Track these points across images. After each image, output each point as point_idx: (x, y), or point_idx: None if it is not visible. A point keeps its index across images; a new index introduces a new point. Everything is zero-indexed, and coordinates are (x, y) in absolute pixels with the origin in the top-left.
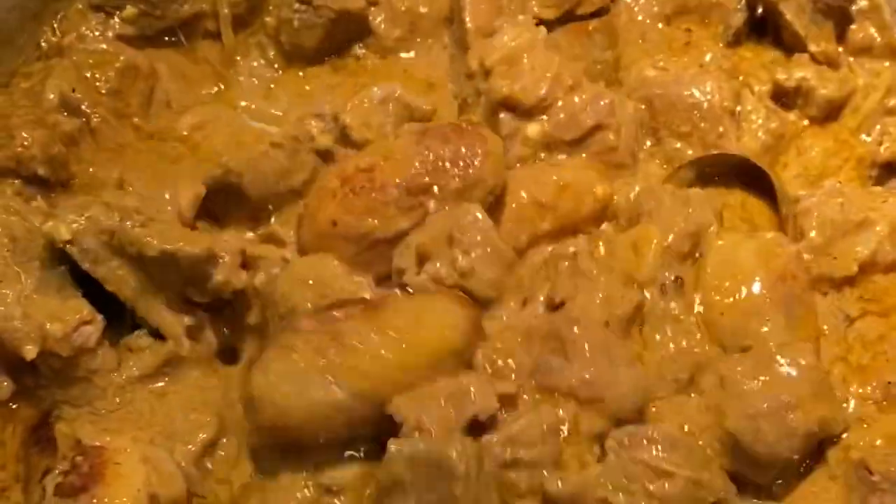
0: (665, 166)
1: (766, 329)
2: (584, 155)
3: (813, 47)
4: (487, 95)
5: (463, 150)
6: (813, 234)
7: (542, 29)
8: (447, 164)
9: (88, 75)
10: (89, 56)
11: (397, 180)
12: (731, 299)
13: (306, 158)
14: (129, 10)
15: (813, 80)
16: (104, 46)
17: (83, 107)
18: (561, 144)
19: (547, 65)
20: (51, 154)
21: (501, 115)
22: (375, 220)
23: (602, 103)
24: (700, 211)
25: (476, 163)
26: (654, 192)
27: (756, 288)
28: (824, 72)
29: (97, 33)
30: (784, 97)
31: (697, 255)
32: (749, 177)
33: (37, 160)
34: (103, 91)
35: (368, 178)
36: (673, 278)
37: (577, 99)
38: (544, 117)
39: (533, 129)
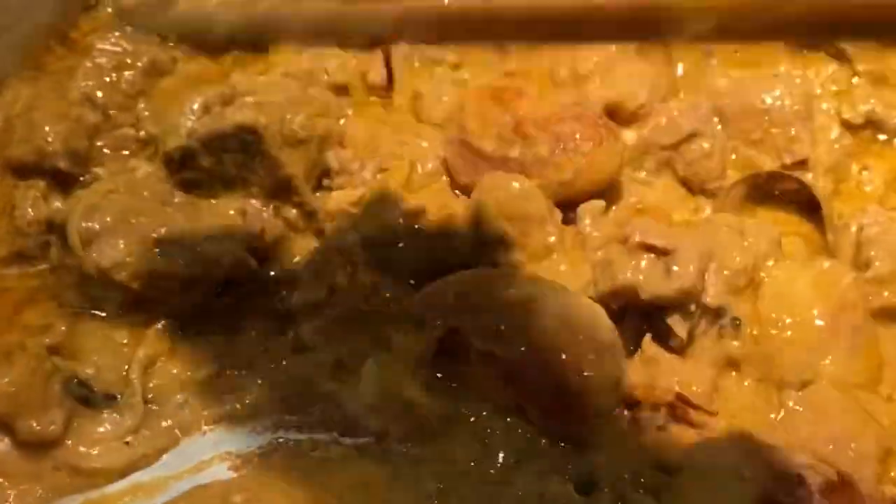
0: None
1: (827, 362)
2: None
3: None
4: (583, 103)
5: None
6: (878, 263)
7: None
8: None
9: (114, 77)
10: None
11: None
12: (790, 334)
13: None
14: None
15: (879, 110)
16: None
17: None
18: (656, 150)
19: (642, 73)
20: (72, 147)
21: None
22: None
23: (701, 111)
24: (757, 242)
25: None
26: (711, 222)
27: (815, 320)
28: (885, 94)
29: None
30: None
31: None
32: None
33: (59, 154)
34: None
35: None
36: (730, 319)
37: (674, 105)
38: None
39: (630, 135)
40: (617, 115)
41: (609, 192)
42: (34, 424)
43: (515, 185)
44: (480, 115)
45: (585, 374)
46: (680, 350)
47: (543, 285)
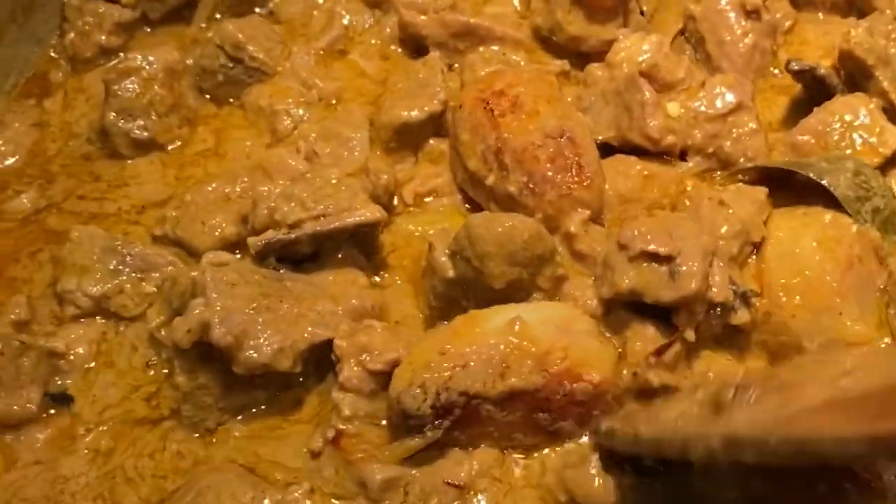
0: None
1: (840, 322)
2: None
3: None
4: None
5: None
6: None
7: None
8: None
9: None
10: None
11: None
12: (799, 298)
13: None
14: None
15: None
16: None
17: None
18: (700, 122)
19: (678, 60)
20: None
21: (641, 81)
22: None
23: (745, 87)
24: (741, 207)
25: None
26: (692, 198)
27: (825, 280)
28: None
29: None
30: None
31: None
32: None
33: None
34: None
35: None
36: (741, 294)
37: (719, 79)
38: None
39: (673, 106)
40: (654, 81)
41: None
42: (11, 405)
43: (522, 227)
44: (472, 127)
45: None
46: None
47: None
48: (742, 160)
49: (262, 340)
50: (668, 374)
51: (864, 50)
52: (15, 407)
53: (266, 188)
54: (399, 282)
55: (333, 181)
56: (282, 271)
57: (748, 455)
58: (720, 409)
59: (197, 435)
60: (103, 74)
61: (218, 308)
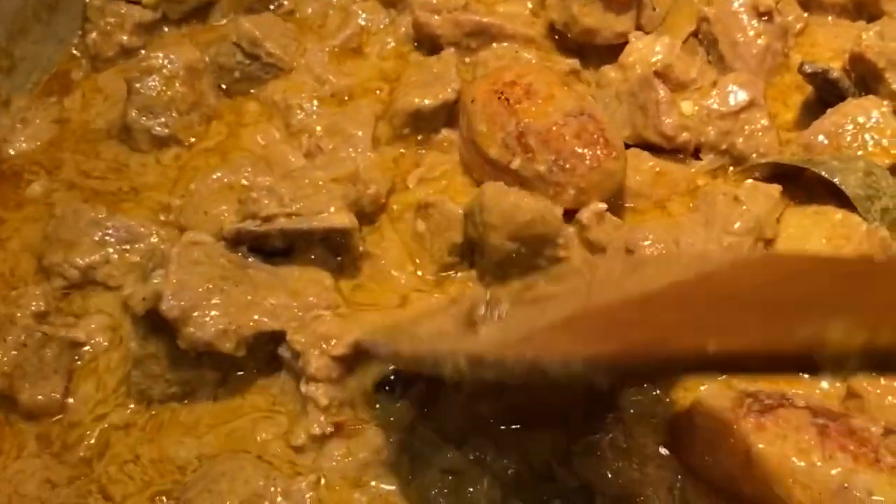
0: None
1: None
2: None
3: None
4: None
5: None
6: None
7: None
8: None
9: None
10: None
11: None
12: None
13: None
14: None
15: None
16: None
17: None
18: (713, 119)
19: (691, 61)
20: None
21: (655, 81)
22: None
23: (757, 85)
24: (755, 204)
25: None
26: (707, 194)
27: None
28: None
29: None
30: None
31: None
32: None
33: None
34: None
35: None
36: None
37: (731, 77)
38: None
39: (686, 105)
40: (668, 80)
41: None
42: (36, 395)
43: (526, 207)
44: (488, 117)
45: None
46: None
47: None
48: (754, 156)
49: (207, 319)
50: None
51: (875, 53)
52: (40, 397)
53: (262, 179)
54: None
55: (318, 183)
56: (250, 260)
57: (489, 373)
58: (471, 326)
59: (144, 405)
60: (125, 73)
61: (174, 281)
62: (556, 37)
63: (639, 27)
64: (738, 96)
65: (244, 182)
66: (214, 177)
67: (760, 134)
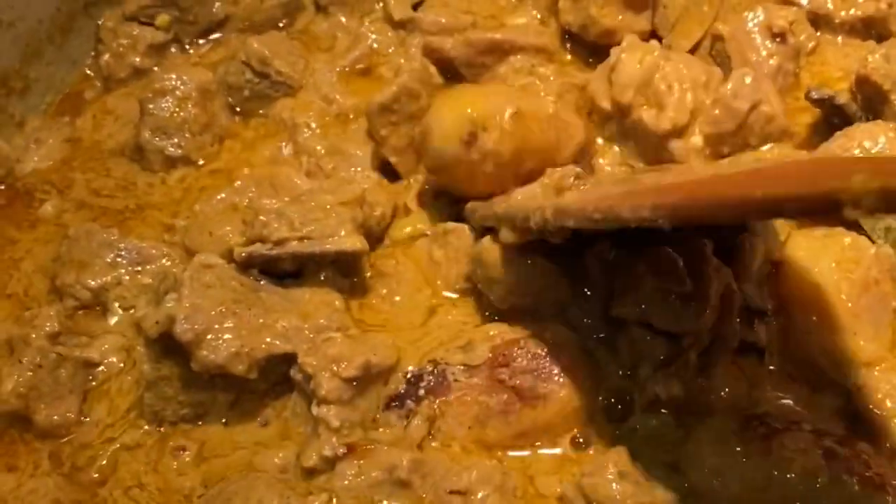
0: None
1: (854, 341)
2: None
3: None
4: (643, 130)
5: None
6: None
7: (655, 43)
8: None
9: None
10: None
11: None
12: (815, 317)
13: None
14: (163, 18)
15: None
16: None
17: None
18: (726, 137)
19: (677, 73)
20: None
21: (671, 143)
22: None
23: (747, 80)
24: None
25: None
26: None
27: (841, 302)
28: None
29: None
30: None
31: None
32: None
33: None
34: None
35: None
36: (758, 311)
37: (722, 89)
38: (700, 120)
39: (697, 140)
40: (682, 133)
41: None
42: (52, 415)
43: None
44: None
45: None
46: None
47: None
48: (770, 146)
49: (220, 342)
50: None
51: (880, 75)
52: (55, 417)
53: (267, 202)
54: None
55: (327, 207)
56: (262, 283)
57: (570, 221)
58: (560, 192)
59: (156, 426)
60: (138, 94)
61: (187, 305)
62: (568, 44)
63: (652, 27)
64: (748, 92)
65: (247, 202)
66: (219, 198)
67: (770, 124)
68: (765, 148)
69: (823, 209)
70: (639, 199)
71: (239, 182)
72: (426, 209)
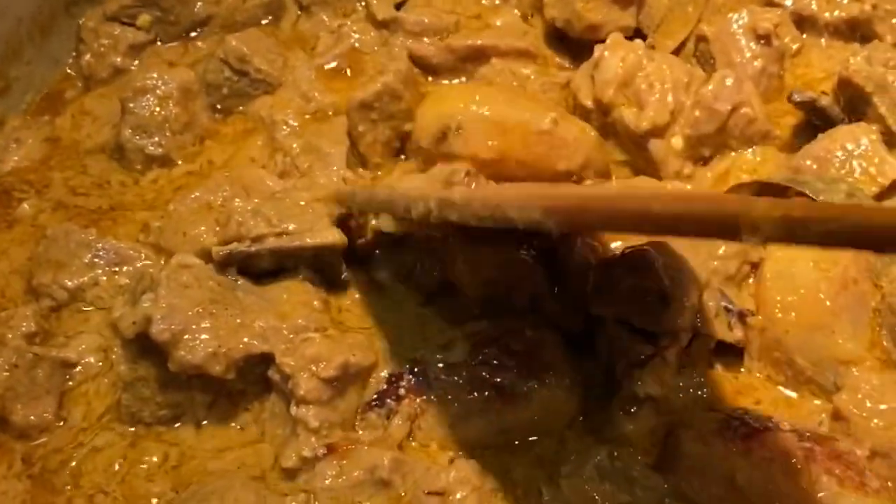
0: None
1: (833, 340)
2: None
3: None
4: (624, 129)
5: None
6: None
7: (639, 42)
8: None
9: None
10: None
11: None
12: (794, 315)
13: None
14: (144, 18)
15: None
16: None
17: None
18: (707, 139)
19: (659, 73)
20: None
21: (651, 143)
22: None
23: (728, 82)
24: None
25: None
26: None
27: (819, 301)
28: None
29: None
30: None
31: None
32: None
33: None
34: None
35: None
36: (736, 313)
37: (703, 90)
38: (681, 121)
39: (677, 141)
40: (662, 133)
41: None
42: (28, 415)
43: None
44: None
45: None
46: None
47: None
48: (752, 150)
49: (197, 342)
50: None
51: (862, 77)
52: (32, 417)
53: (240, 202)
54: None
55: (302, 203)
56: (239, 282)
57: (454, 215)
58: (448, 186)
59: (133, 427)
60: (118, 93)
61: (164, 305)
62: (552, 48)
63: (637, 25)
64: (729, 94)
65: (220, 201)
66: (193, 196)
67: (751, 125)
68: (747, 151)
69: (721, 232)
70: (530, 200)
71: (213, 181)
72: None
